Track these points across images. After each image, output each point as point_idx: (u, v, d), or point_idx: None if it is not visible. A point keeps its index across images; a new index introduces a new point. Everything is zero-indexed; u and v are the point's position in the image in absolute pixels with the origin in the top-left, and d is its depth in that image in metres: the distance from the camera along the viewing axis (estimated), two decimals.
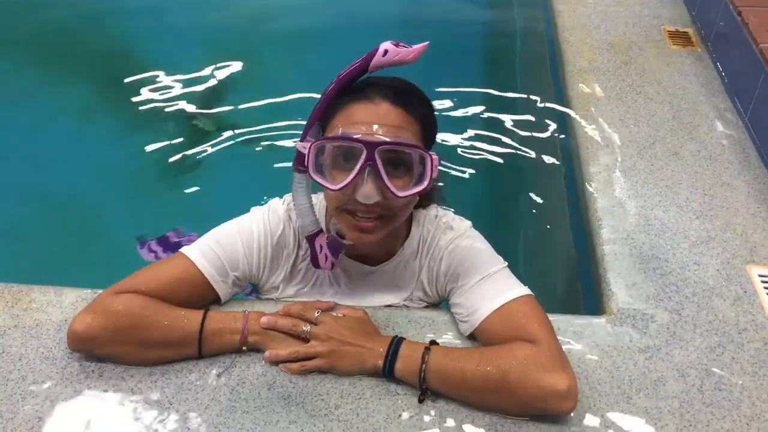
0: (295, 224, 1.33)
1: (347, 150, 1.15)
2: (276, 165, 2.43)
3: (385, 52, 1.16)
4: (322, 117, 1.22)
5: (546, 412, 1.18)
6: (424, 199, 1.36)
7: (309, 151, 1.17)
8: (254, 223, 1.33)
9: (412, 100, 1.20)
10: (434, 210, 1.38)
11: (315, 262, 1.31)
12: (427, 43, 1.17)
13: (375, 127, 1.14)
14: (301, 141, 1.21)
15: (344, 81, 1.18)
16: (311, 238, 1.29)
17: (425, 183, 1.17)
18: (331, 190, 1.16)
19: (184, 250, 1.30)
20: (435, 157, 1.17)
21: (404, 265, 1.36)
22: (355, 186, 1.14)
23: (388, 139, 1.13)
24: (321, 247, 1.28)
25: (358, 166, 1.12)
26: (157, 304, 1.23)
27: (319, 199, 1.36)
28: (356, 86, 1.20)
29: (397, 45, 1.16)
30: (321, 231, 1.29)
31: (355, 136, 1.14)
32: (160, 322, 1.22)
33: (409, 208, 1.24)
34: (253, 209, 1.36)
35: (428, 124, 1.23)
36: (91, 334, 1.20)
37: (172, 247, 2.03)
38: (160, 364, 1.27)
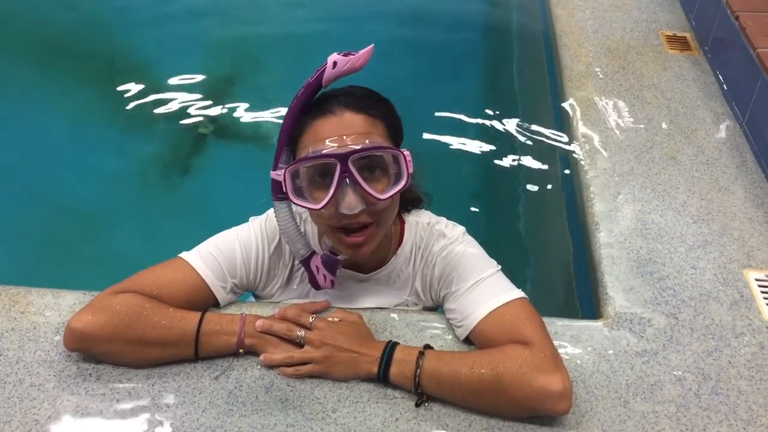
0: None
1: (321, 167, 1.16)
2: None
3: (335, 63, 1.16)
4: (289, 141, 1.22)
5: (541, 412, 1.18)
6: (408, 203, 1.37)
7: (285, 177, 1.18)
8: (252, 232, 1.34)
9: (371, 102, 1.21)
10: (427, 217, 1.38)
11: (314, 284, 1.32)
12: (372, 46, 1.18)
13: (343, 138, 1.15)
14: (274, 170, 1.22)
15: (302, 101, 1.19)
16: (306, 262, 1.30)
17: (404, 180, 1.18)
18: (315, 209, 1.17)
19: (183, 254, 1.31)
20: (407, 153, 1.19)
21: (397, 272, 1.37)
22: (337, 200, 1.15)
23: (357, 147, 1.14)
24: (317, 268, 1.29)
25: (335, 180, 1.13)
26: (156, 304, 1.24)
27: (307, 218, 1.37)
28: (315, 103, 1.20)
29: (345, 55, 1.17)
30: (314, 253, 1.30)
31: (324, 152, 1.14)
32: (158, 322, 1.22)
33: (395, 210, 1.25)
34: (252, 219, 1.38)
35: (392, 122, 1.24)
36: (89, 331, 1.21)
37: None
38: (157, 365, 1.27)
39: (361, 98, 1.20)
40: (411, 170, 1.18)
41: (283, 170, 1.18)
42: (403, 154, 1.18)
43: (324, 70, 1.17)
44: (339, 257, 1.27)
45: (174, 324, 1.23)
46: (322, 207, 1.15)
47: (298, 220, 1.32)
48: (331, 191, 1.14)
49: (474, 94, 2.88)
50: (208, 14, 3.27)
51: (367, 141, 1.15)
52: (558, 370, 1.16)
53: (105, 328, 1.21)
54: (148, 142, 2.61)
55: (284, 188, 1.18)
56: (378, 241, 1.24)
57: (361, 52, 1.17)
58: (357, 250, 1.21)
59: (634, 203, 1.81)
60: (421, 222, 1.37)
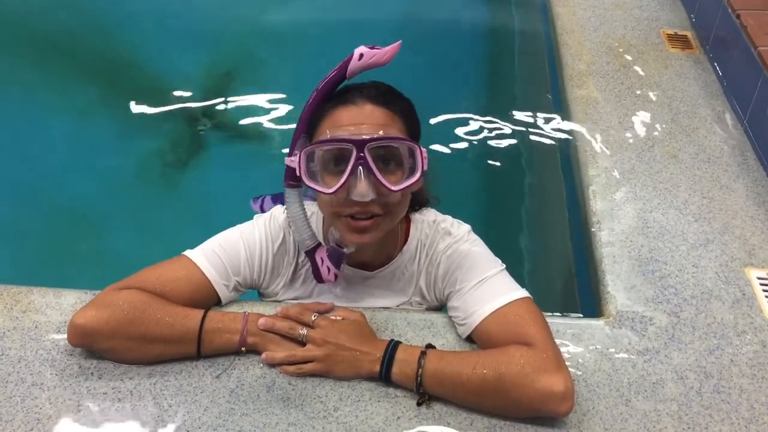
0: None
1: (337, 152, 1.16)
2: (275, 164, 2.44)
3: (361, 56, 1.17)
4: (307, 128, 1.23)
5: (543, 413, 1.18)
6: (417, 203, 1.36)
7: (300, 159, 1.18)
8: (256, 230, 1.34)
9: (393, 98, 1.22)
10: (432, 215, 1.38)
11: (318, 277, 1.32)
12: (400, 42, 1.19)
13: (361, 126, 1.16)
14: (290, 156, 1.23)
15: (325, 89, 1.20)
16: (311, 253, 1.30)
17: (417, 175, 1.18)
18: (326, 193, 1.17)
19: (187, 252, 1.32)
20: (424, 149, 1.19)
21: (402, 270, 1.37)
22: (349, 187, 1.15)
23: (375, 135, 1.15)
24: (322, 260, 1.29)
25: (350, 166, 1.14)
26: (159, 301, 1.24)
27: (314, 211, 1.37)
28: (337, 93, 1.21)
29: (371, 48, 1.18)
30: (320, 244, 1.30)
31: (342, 137, 1.15)
32: (161, 318, 1.22)
33: (405, 205, 1.25)
34: (256, 217, 1.38)
35: (411, 119, 1.25)
36: (92, 327, 1.21)
37: None
38: (159, 362, 1.27)
39: (383, 93, 1.21)
40: (426, 167, 1.19)
41: (299, 153, 1.19)
42: (420, 149, 1.18)
43: (350, 60, 1.18)
44: (344, 250, 1.27)
45: (177, 321, 1.24)
46: (334, 191, 1.15)
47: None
48: (345, 176, 1.14)
49: (474, 93, 2.88)
50: (207, 11, 3.27)
51: (383, 132, 1.16)
52: (560, 371, 1.16)
53: (108, 323, 1.21)
54: (147, 140, 2.61)
55: (298, 170, 1.19)
56: (384, 232, 1.23)
57: (388, 47, 1.18)
58: (361, 236, 1.21)
59: (635, 202, 1.81)
60: (426, 220, 1.37)
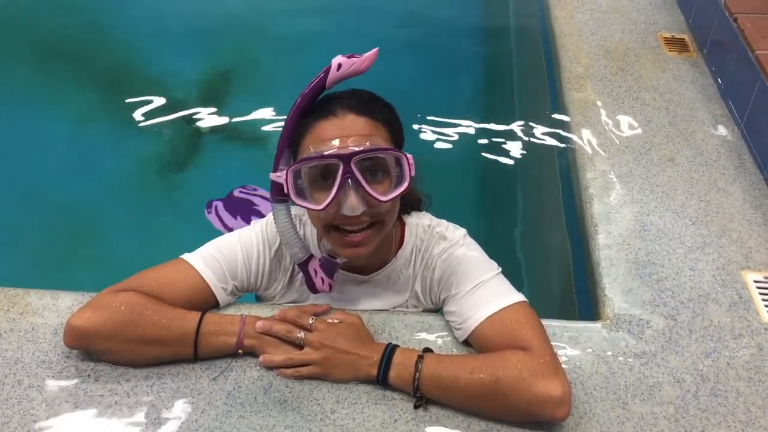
0: None
1: (324, 168, 1.16)
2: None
3: (339, 66, 1.16)
4: (290, 143, 1.22)
5: (541, 418, 1.18)
6: (408, 205, 1.37)
7: (286, 178, 1.18)
8: (254, 235, 1.35)
9: (374, 106, 1.21)
10: (428, 219, 1.38)
11: (312, 288, 1.32)
12: (377, 49, 1.18)
13: (345, 139, 1.15)
14: (274, 171, 1.22)
15: (304, 102, 1.19)
16: (303, 265, 1.30)
17: (405, 183, 1.18)
18: (316, 210, 1.17)
19: (185, 256, 1.32)
20: (410, 156, 1.19)
21: (397, 274, 1.37)
22: (339, 201, 1.15)
23: (361, 148, 1.14)
24: (315, 271, 1.29)
25: (337, 181, 1.13)
26: (157, 303, 1.24)
27: (306, 221, 1.37)
28: (318, 104, 1.20)
29: (349, 57, 1.17)
30: (312, 256, 1.30)
31: (327, 153, 1.14)
32: (158, 321, 1.22)
33: (395, 211, 1.25)
34: (254, 222, 1.38)
35: (394, 126, 1.24)
36: (89, 329, 1.21)
37: (241, 207, 1.86)
38: (156, 364, 1.27)
39: (364, 101, 1.20)
40: (413, 173, 1.18)
41: (285, 171, 1.18)
42: (406, 157, 1.18)
43: (328, 71, 1.17)
44: (337, 260, 1.28)
45: (174, 323, 1.24)
46: (324, 208, 1.15)
47: (297, 223, 1.32)
48: (333, 192, 1.14)
49: (472, 96, 2.89)
50: (207, 14, 3.27)
51: (368, 143, 1.15)
52: (557, 376, 1.15)
53: (106, 325, 1.21)
54: (146, 143, 2.62)
55: (285, 188, 1.18)
56: (377, 243, 1.23)
57: (366, 54, 1.17)
58: (355, 250, 1.21)
59: (632, 205, 1.81)
60: (421, 224, 1.37)
